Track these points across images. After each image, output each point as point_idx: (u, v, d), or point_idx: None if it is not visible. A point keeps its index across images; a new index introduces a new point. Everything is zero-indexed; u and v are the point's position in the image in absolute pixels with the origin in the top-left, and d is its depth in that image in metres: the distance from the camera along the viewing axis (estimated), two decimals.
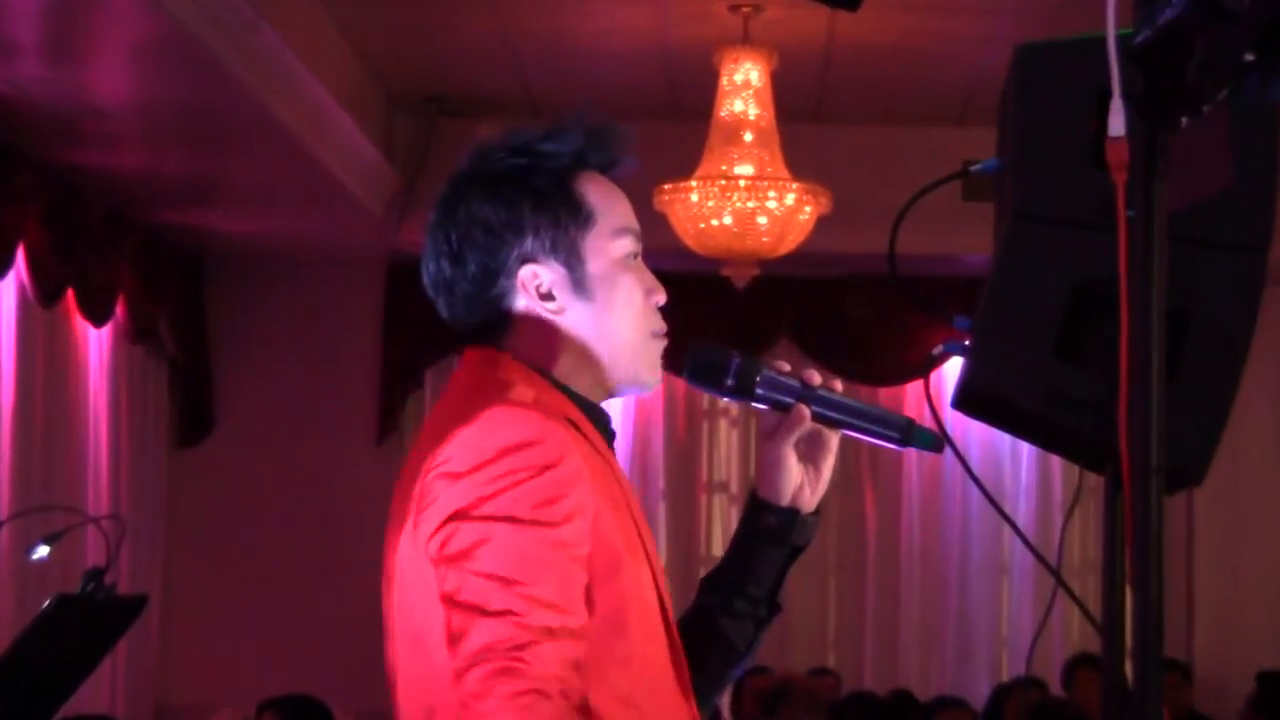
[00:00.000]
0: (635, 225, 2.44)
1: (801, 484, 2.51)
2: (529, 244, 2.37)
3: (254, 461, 10.12)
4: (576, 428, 2.30)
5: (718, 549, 10.28)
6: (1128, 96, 2.22)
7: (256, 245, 9.89)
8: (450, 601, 2.17)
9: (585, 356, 2.38)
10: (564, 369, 2.37)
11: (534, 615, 2.13)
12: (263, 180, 8.48)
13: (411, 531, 2.24)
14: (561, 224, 2.37)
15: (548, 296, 2.37)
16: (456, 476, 2.20)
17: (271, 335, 10.22)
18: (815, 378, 2.49)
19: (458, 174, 2.43)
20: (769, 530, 2.51)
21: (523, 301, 2.37)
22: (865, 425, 2.49)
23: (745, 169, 7.58)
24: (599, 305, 2.38)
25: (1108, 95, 2.26)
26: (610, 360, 2.39)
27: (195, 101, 7.14)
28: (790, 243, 7.70)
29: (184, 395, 10.05)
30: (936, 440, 2.48)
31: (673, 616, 2.36)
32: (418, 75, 8.78)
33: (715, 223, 7.54)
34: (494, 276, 2.37)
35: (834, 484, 2.55)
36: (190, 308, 9.99)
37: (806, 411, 2.46)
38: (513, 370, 2.34)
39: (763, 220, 7.54)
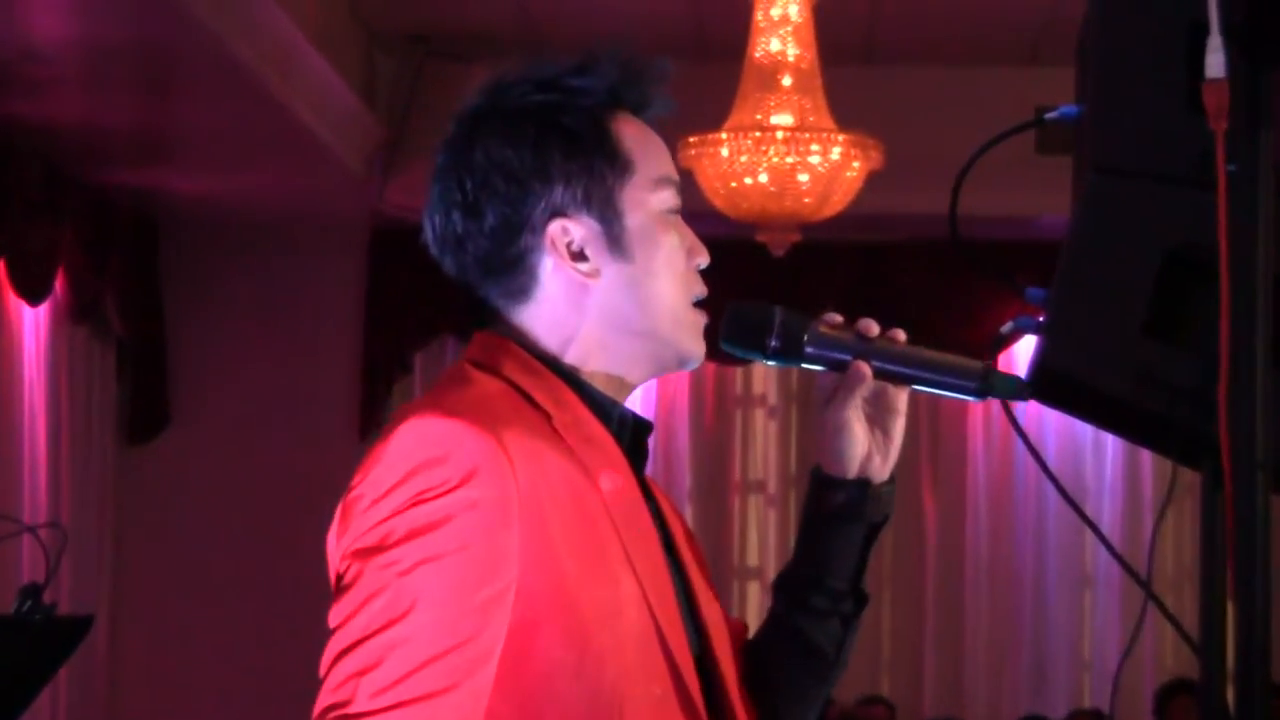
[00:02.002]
0: (675, 175, 2.44)
1: (870, 451, 2.49)
2: (559, 195, 2.35)
3: (215, 460, 10.14)
4: (550, 423, 2.28)
5: (753, 558, 10.29)
6: (1228, 31, 2.22)
7: (217, 208, 9.90)
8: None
9: (620, 328, 2.36)
10: (585, 347, 2.36)
11: (384, 673, 2.12)
12: (224, 132, 8.49)
13: (336, 564, 2.27)
14: (596, 172, 2.36)
15: (580, 256, 2.35)
16: (368, 504, 2.22)
17: (236, 313, 10.24)
18: (874, 328, 2.50)
19: (469, 109, 2.40)
20: (839, 508, 2.48)
21: (549, 262, 2.36)
22: (935, 378, 2.53)
23: (783, 118, 7.57)
24: (639, 267, 2.37)
25: (1205, 30, 2.26)
26: (650, 331, 2.37)
27: (145, 40, 7.15)
28: (836, 204, 7.69)
29: (134, 383, 10.07)
30: (1021, 386, 2.51)
31: (679, 640, 2.30)
32: (402, 9, 8.78)
33: (749, 181, 7.54)
34: (516, 232, 2.35)
35: None
36: (141, 282, 10.00)
37: (867, 368, 2.47)
38: (504, 357, 2.33)
39: (804, 178, 7.53)
